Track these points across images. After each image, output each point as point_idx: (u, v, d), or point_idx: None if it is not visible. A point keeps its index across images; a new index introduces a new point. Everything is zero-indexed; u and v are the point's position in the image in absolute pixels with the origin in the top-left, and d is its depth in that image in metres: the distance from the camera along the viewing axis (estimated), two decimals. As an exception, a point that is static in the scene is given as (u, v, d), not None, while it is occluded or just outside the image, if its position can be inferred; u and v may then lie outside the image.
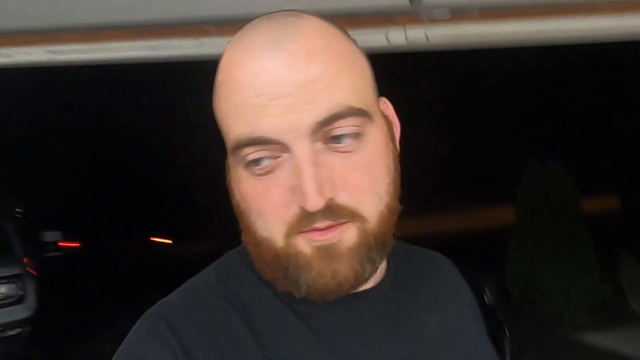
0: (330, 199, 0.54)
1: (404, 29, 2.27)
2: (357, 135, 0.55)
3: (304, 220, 0.55)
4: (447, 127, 9.61)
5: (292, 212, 0.55)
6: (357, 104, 0.55)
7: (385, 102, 0.64)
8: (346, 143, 0.55)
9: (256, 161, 0.56)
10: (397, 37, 2.35)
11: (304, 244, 0.56)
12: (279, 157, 0.55)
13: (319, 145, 0.55)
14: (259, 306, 0.62)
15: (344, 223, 0.55)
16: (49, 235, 6.66)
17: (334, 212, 0.55)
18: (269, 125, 0.54)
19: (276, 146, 0.54)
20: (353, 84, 0.56)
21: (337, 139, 0.55)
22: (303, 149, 0.54)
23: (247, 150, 0.56)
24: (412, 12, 2.20)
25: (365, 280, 0.59)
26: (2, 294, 4.72)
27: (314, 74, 0.54)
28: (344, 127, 0.54)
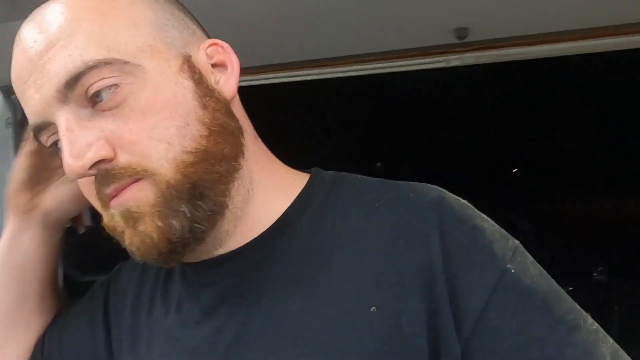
0: (106, 161, 0.51)
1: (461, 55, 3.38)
2: (115, 87, 0.50)
3: (98, 189, 0.53)
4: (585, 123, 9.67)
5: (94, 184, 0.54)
6: (100, 55, 0.49)
7: (214, 45, 0.57)
8: (106, 98, 0.50)
9: (54, 148, 0.56)
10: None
11: (117, 215, 0.53)
12: None
13: (86, 111, 0.51)
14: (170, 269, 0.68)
15: (135, 182, 0.51)
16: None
17: (114, 175, 0.51)
18: (31, 109, 0.53)
19: (51, 126, 0.53)
20: (96, 35, 0.50)
21: (97, 96, 0.50)
22: (59, 120, 0.51)
23: (40, 139, 0.55)
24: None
25: (188, 237, 0.53)
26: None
27: (45, 42, 0.50)
28: (94, 83, 0.49)
